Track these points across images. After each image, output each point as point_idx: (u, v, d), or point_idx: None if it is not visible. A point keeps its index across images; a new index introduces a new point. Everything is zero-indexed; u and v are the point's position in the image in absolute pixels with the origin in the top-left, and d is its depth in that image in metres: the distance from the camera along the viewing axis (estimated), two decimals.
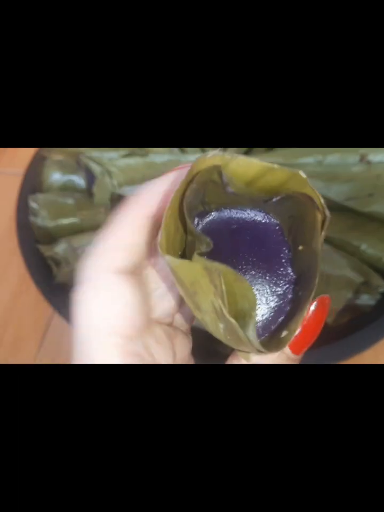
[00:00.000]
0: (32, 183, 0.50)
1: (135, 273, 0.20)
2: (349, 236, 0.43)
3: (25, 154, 0.69)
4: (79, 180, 0.50)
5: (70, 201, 0.47)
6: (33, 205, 0.45)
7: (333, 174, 0.44)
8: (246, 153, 0.54)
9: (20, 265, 0.47)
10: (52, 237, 0.45)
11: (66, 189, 0.50)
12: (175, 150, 0.48)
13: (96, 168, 0.43)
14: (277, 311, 0.19)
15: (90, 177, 0.44)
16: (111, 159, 0.44)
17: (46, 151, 0.52)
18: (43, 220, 0.44)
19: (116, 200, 0.42)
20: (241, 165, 0.18)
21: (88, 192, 0.47)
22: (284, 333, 0.17)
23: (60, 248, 0.40)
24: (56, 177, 0.50)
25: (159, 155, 0.46)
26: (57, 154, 0.52)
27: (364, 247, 0.41)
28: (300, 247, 0.18)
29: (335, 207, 0.44)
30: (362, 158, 0.45)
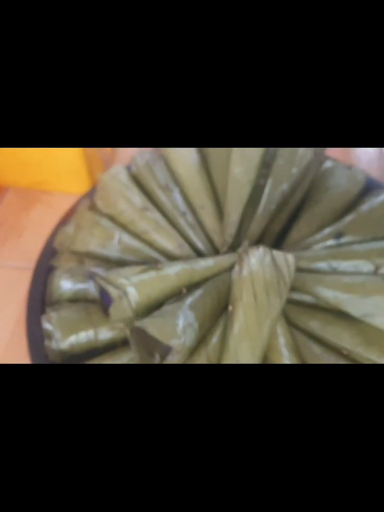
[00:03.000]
0: (40, 295, 0.49)
1: None
2: (368, 351, 0.42)
3: (27, 246, 0.68)
4: (91, 288, 0.49)
5: (84, 315, 0.46)
6: (47, 326, 0.44)
7: (349, 285, 0.44)
8: None
9: None
10: (67, 359, 0.43)
11: (78, 298, 0.49)
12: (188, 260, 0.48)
13: (113, 292, 0.42)
14: None
15: (107, 298, 0.43)
16: (127, 276, 0.44)
17: (55, 260, 0.51)
18: (57, 342, 0.43)
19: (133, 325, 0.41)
20: None
21: (103, 305, 0.46)
22: None
23: None
24: (66, 286, 0.49)
25: (172, 267, 0.46)
26: (67, 262, 0.51)
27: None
28: None
29: (353, 320, 0.44)
30: (377, 268, 0.46)
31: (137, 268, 0.44)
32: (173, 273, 0.46)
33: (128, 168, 0.63)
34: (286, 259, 0.44)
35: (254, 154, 0.57)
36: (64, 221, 0.58)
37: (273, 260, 0.44)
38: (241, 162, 0.57)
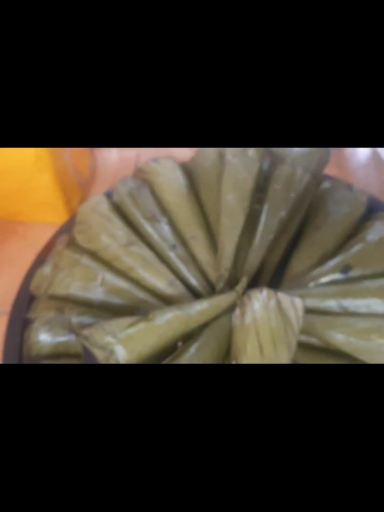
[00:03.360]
0: (16, 350, 0.43)
1: None
2: None
3: (2, 286, 0.62)
4: (73, 340, 0.44)
5: None
6: None
7: (364, 331, 0.39)
8: None
9: None
10: None
11: (59, 353, 0.43)
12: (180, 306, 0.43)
13: (99, 353, 0.36)
14: None
15: (92, 358, 0.38)
16: (113, 333, 0.38)
17: (32, 310, 0.45)
18: None
19: None
20: None
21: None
22: None
23: None
24: (46, 341, 0.43)
25: (163, 315, 0.41)
26: (45, 311, 0.45)
27: None
28: None
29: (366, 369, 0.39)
30: None
31: (125, 321, 0.39)
32: (165, 322, 0.40)
33: (109, 194, 0.58)
34: (294, 303, 0.39)
35: (247, 178, 0.52)
36: (40, 259, 0.52)
37: (279, 304, 0.39)
38: (234, 188, 0.52)
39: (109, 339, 0.37)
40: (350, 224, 0.52)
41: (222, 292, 0.49)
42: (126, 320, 0.39)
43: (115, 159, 0.73)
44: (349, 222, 0.52)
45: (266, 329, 0.38)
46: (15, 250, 0.63)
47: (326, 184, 0.55)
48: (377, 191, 0.64)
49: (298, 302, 0.39)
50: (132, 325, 0.39)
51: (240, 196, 0.51)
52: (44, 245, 0.54)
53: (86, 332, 0.38)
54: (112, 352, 0.37)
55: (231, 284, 0.50)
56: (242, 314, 0.40)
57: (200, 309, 0.43)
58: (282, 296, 0.39)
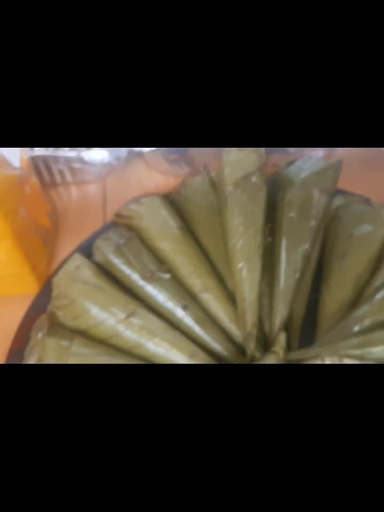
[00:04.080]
0: None
1: None
2: None
3: None
4: None
5: None
6: None
7: None
8: None
9: None
10: None
11: None
12: None
13: None
14: None
15: None
16: None
17: None
18: None
19: None
20: None
21: None
22: None
23: None
24: None
25: None
26: None
27: None
28: None
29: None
30: None
31: None
32: None
33: (84, 250, 0.47)
34: None
35: (255, 211, 0.43)
36: (14, 354, 0.41)
37: None
38: (242, 225, 0.43)
39: None
40: (378, 245, 0.45)
41: (254, 355, 0.40)
42: None
43: (77, 199, 0.61)
44: (376, 243, 0.45)
45: None
46: None
47: (339, 200, 0.48)
48: (378, 194, 0.58)
49: None
50: None
51: (251, 233, 0.43)
52: (14, 335, 0.42)
53: None
54: None
55: (260, 341, 0.42)
56: None
57: None
58: None
